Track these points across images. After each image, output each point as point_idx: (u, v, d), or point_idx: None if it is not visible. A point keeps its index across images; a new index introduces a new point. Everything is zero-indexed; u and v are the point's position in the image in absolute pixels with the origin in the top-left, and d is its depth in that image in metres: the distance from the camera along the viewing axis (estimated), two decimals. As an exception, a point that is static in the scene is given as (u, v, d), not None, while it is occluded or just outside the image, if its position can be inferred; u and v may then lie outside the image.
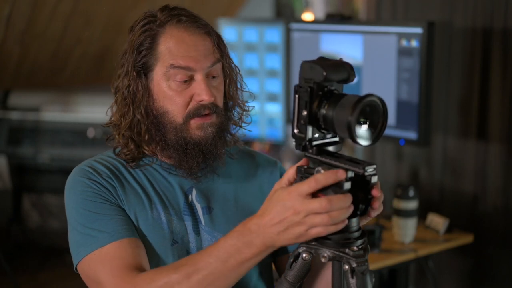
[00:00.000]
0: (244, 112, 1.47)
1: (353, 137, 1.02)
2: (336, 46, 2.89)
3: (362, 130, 1.04)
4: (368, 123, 1.04)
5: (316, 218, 1.03)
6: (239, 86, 1.46)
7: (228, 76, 1.42)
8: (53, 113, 4.07)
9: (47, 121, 4.06)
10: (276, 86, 3.48)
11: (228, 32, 3.60)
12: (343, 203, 1.04)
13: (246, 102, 1.48)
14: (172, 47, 1.34)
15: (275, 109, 3.48)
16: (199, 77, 1.34)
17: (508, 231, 2.70)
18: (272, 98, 3.49)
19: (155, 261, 1.33)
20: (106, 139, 1.45)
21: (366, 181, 1.07)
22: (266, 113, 3.52)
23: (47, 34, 3.83)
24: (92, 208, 1.32)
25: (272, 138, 3.50)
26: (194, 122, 1.35)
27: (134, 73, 1.36)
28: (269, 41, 3.48)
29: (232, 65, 1.43)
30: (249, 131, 1.50)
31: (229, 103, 1.43)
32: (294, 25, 3.06)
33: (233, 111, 1.45)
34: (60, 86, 4.36)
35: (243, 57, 3.56)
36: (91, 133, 3.91)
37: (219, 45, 1.38)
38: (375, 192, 1.09)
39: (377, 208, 1.11)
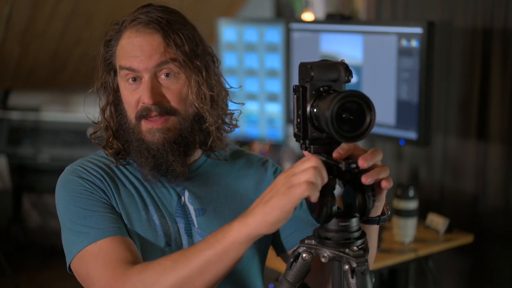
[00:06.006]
0: (228, 116, 1.42)
1: (332, 133, 1.02)
2: (336, 46, 2.89)
3: (347, 127, 1.03)
4: (353, 119, 1.03)
5: (304, 175, 1.03)
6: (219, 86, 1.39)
7: (192, 76, 1.34)
8: (53, 113, 4.07)
9: (47, 121, 4.06)
10: (276, 86, 3.48)
11: (228, 32, 3.60)
12: (304, 159, 1.05)
13: (232, 102, 1.43)
14: (123, 47, 1.34)
15: (275, 109, 3.49)
16: (145, 78, 1.32)
17: (508, 231, 2.70)
18: (272, 98, 3.49)
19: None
20: (91, 138, 1.45)
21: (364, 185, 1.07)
22: (266, 113, 3.52)
23: (47, 34, 3.83)
24: (83, 205, 1.30)
25: (272, 138, 3.50)
26: (144, 125, 1.33)
27: (104, 71, 1.38)
28: (269, 41, 3.48)
29: (200, 63, 1.34)
30: (237, 126, 1.46)
31: (199, 105, 1.35)
32: (294, 25, 3.06)
33: (213, 113, 1.36)
34: (60, 86, 4.36)
35: (243, 57, 3.56)
36: (91, 133, 3.92)
37: (175, 44, 1.31)
38: (364, 178, 1.05)
39: (367, 181, 1.05)
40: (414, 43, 2.58)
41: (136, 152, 1.35)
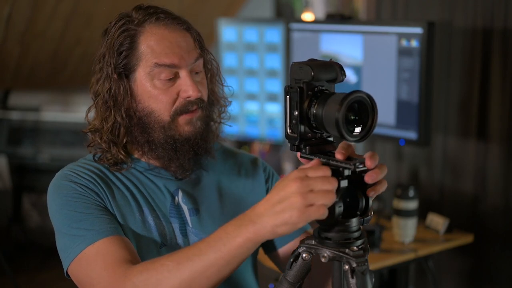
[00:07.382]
0: (224, 108, 1.48)
1: (341, 134, 1.03)
2: (336, 46, 2.89)
3: (352, 127, 1.04)
4: (357, 119, 1.05)
5: (324, 198, 1.01)
6: (219, 81, 1.46)
7: (209, 71, 1.42)
8: (53, 113, 4.07)
9: (47, 121, 4.06)
10: (276, 86, 3.48)
11: (228, 32, 3.60)
12: (321, 171, 1.03)
13: (226, 98, 1.48)
14: (154, 45, 1.32)
15: (275, 109, 3.48)
16: (183, 73, 1.33)
17: (508, 231, 2.70)
18: (272, 98, 3.49)
19: None
20: (88, 145, 1.42)
21: (364, 181, 1.07)
22: (266, 113, 3.52)
23: (47, 34, 3.83)
24: (77, 208, 1.29)
25: (272, 138, 3.50)
26: (182, 119, 1.34)
27: (115, 76, 1.34)
28: (269, 41, 3.48)
29: (212, 60, 1.43)
30: (229, 126, 1.50)
31: (210, 98, 1.43)
32: (294, 25, 3.06)
33: (214, 106, 1.45)
34: (60, 86, 4.36)
35: (243, 57, 3.56)
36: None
37: (199, 40, 1.37)
38: (367, 177, 1.05)
39: (371, 179, 1.05)
40: (414, 43, 2.58)
41: (170, 150, 1.35)
